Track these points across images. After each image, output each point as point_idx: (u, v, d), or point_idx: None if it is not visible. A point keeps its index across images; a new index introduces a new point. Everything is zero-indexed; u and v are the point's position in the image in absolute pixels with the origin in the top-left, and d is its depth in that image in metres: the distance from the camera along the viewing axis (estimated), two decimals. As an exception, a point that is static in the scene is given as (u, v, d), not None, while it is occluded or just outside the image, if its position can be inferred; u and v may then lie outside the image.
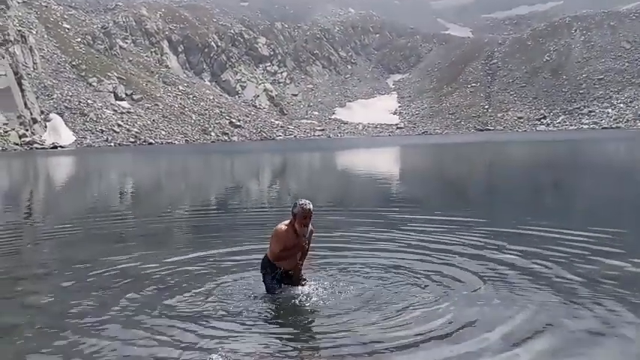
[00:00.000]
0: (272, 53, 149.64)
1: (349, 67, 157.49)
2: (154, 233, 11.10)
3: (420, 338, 4.82)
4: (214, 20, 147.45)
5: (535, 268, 6.99)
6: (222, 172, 32.81)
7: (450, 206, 13.67)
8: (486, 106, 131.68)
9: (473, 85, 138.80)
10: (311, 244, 6.07)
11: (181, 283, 6.80)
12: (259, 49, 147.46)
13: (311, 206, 5.73)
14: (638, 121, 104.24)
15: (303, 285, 6.03)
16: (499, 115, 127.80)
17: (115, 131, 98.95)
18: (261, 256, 6.20)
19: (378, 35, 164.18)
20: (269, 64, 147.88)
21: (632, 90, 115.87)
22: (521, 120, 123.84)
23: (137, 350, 4.72)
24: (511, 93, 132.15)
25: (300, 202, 5.74)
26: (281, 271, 5.95)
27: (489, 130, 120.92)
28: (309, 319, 5.49)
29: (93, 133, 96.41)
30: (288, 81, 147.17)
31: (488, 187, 20.40)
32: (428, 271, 6.99)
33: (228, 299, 6.10)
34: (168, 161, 45.01)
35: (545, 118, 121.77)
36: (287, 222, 5.85)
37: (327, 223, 10.55)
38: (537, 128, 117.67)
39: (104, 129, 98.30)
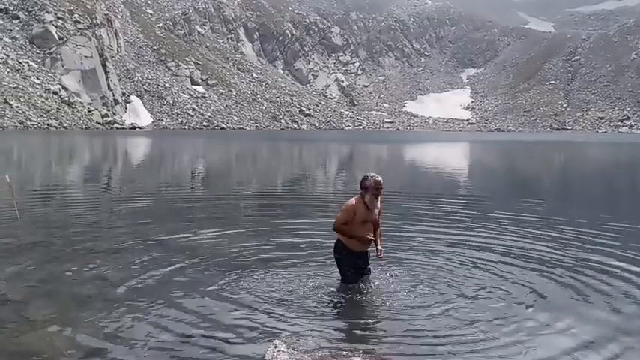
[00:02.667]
0: (345, 43, 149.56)
1: (422, 59, 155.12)
2: (224, 214, 11.38)
3: (485, 345, 4.70)
4: (290, 9, 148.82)
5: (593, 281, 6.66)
6: (291, 159, 33.21)
7: (517, 207, 13.25)
8: (565, 105, 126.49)
9: (552, 82, 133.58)
10: (381, 223, 6.10)
11: (249, 266, 6.93)
12: (333, 39, 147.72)
13: (381, 179, 5.84)
14: None
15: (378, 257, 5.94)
16: (578, 114, 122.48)
17: (190, 115, 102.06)
18: (331, 241, 6.23)
19: (454, 28, 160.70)
20: (342, 54, 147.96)
21: None
22: (602, 120, 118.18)
23: (199, 331, 4.84)
24: (593, 92, 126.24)
25: (372, 175, 5.84)
26: (356, 258, 5.94)
27: (566, 129, 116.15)
28: (376, 314, 5.47)
29: (169, 116, 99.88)
30: (359, 72, 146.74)
31: (558, 188, 19.61)
32: (501, 275, 6.81)
33: (297, 284, 6.16)
34: (240, 145, 46.02)
35: (628, 119, 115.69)
36: (357, 197, 5.88)
37: (398, 215, 10.47)
38: (619, 130, 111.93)
39: (179, 112, 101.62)
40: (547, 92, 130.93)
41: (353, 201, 5.84)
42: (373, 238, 5.93)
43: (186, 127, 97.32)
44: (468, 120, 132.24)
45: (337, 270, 6.16)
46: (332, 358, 3.95)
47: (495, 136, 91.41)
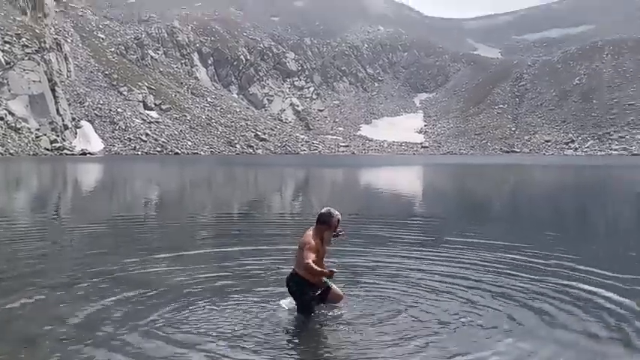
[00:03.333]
0: (300, 68, 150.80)
1: (376, 84, 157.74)
2: (176, 242, 11.13)
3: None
4: (244, 34, 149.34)
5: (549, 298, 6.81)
6: (246, 184, 32.97)
7: (469, 227, 13.48)
8: (513, 128, 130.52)
9: (500, 106, 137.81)
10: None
11: (203, 296, 6.77)
12: (287, 64, 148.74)
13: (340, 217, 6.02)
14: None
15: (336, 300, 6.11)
16: (526, 137, 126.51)
17: (143, 140, 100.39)
18: (286, 268, 6.18)
19: (406, 54, 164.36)
20: (296, 78, 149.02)
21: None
22: (549, 143, 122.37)
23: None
24: (539, 116, 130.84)
25: (335, 213, 5.96)
26: (319, 291, 6.00)
27: (516, 152, 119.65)
28: (336, 345, 5.41)
29: (121, 141, 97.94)
30: (314, 96, 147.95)
31: (509, 210, 20.10)
32: (456, 296, 6.86)
33: (251, 314, 6.05)
34: (194, 171, 45.44)
35: (573, 142, 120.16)
36: (312, 232, 5.93)
37: (356, 240, 10.46)
38: (565, 152, 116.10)
39: (132, 137, 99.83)
40: (496, 116, 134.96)
41: (313, 239, 5.85)
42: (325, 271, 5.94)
43: (139, 152, 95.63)
44: (421, 143, 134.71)
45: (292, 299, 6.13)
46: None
47: (448, 158, 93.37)
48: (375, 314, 6.09)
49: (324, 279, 5.84)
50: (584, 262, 8.84)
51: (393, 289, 7.18)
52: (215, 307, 6.30)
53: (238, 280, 7.68)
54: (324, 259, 6.10)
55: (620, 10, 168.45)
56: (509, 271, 8.23)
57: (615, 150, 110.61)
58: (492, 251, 9.87)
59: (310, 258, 5.70)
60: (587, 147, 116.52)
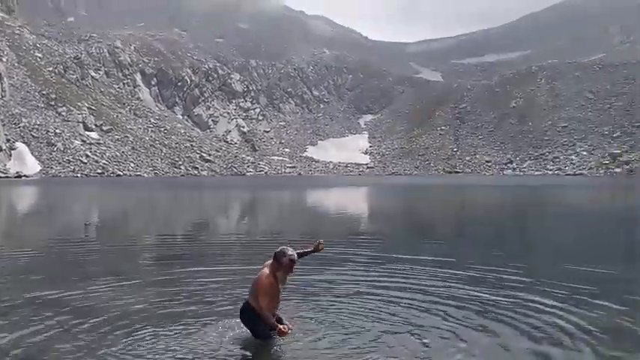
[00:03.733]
0: (245, 89, 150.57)
1: (322, 106, 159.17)
2: (119, 266, 10.68)
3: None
4: (189, 55, 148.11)
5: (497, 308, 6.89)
6: (191, 206, 32.31)
7: (415, 246, 13.61)
8: (455, 149, 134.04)
9: (442, 127, 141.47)
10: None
11: (150, 322, 6.47)
12: (233, 85, 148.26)
13: (296, 257, 5.85)
14: (600, 169, 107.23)
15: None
16: (467, 158, 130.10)
17: (83, 162, 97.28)
18: (236, 291, 5.98)
19: (351, 76, 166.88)
20: (242, 100, 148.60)
21: (594, 138, 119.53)
22: (489, 164, 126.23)
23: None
24: (479, 137, 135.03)
25: (289, 253, 5.77)
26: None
27: (458, 172, 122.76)
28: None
29: (60, 164, 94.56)
30: (260, 117, 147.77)
31: (453, 228, 20.48)
32: (398, 314, 6.82)
33: (202, 340, 5.81)
34: (137, 193, 44.25)
35: (511, 162, 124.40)
36: (267, 271, 5.79)
37: (306, 261, 10.32)
38: (504, 172, 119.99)
39: (71, 159, 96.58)
40: (439, 137, 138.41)
41: (267, 279, 5.71)
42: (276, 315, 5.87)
43: (78, 174, 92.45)
44: (366, 164, 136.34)
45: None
46: None
47: (393, 179, 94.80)
48: (329, 334, 5.98)
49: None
50: (523, 274, 9.03)
51: (347, 308, 7.08)
52: (164, 334, 6.01)
53: (185, 304, 7.40)
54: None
55: (553, 38, 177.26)
56: (457, 285, 8.29)
57: (551, 170, 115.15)
58: (439, 267, 9.96)
59: (263, 303, 5.60)
60: (525, 167, 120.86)
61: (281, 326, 5.55)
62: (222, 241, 15.64)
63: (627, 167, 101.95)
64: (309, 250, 6.24)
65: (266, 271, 5.79)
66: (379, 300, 7.63)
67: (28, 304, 7.40)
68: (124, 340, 5.83)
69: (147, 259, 12.28)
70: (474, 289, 8.28)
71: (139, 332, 6.09)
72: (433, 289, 8.35)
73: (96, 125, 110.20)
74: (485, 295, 7.89)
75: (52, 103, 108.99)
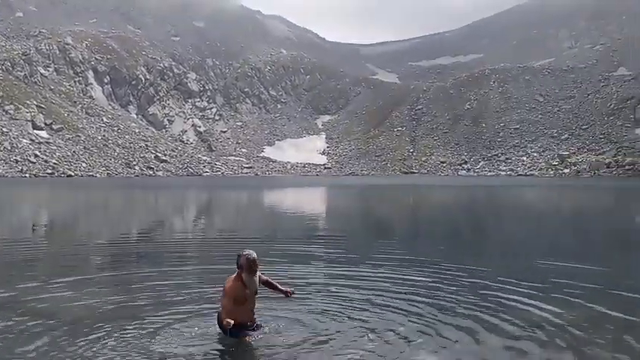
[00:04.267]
0: (202, 89, 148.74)
1: (279, 106, 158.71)
2: (73, 267, 10.32)
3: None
4: (143, 53, 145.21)
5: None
6: (145, 208, 31.64)
7: (377, 244, 13.68)
8: (411, 150, 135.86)
9: (399, 129, 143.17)
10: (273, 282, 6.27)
11: (113, 322, 6.26)
12: (189, 84, 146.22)
13: (255, 255, 5.76)
14: (550, 169, 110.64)
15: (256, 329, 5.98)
16: (423, 158, 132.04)
17: (31, 162, 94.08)
18: (198, 289, 5.86)
19: (308, 77, 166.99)
20: (198, 99, 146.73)
21: (544, 140, 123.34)
22: (444, 164, 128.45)
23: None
24: (435, 138, 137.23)
25: (245, 253, 5.79)
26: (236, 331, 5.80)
27: (414, 173, 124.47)
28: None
29: (7, 163, 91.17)
30: (217, 117, 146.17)
31: (410, 226, 20.71)
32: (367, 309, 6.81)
33: (169, 339, 5.65)
34: (89, 194, 43.06)
35: (466, 163, 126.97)
36: (234, 276, 5.83)
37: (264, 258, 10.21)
38: (459, 173, 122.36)
39: (19, 159, 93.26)
40: (395, 138, 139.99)
41: (230, 283, 5.76)
42: (253, 314, 5.92)
43: (27, 175, 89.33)
44: (324, 164, 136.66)
45: (212, 319, 5.94)
46: None
47: (351, 180, 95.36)
48: (288, 332, 5.91)
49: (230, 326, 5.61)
50: (485, 271, 9.18)
51: (307, 305, 7.02)
52: (122, 335, 5.81)
53: (143, 304, 7.19)
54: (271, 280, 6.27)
55: (505, 42, 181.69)
56: (417, 282, 8.34)
57: (503, 171, 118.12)
58: (397, 265, 10.02)
59: (228, 305, 5.68)
60: (479, 168, 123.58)
61: (224, 321, 5.56)
62: (178, 242, 15.35)
63: (575, 169, 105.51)
64: (280, 287, 6.20)
65: (231, 277, 5.86)
66: (338, 298, 7.59)
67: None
68: (83, 341, 5.62)
69: (100, 261, 11.92)
70: (434, 285, 8.35)
71: (97, 333, 5.89)
72: (395, 286, 8.37)
73: (45, 124, 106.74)
74: (449, 291, 7.96)
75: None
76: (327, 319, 6.50)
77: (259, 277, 5.98)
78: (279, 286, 6.16)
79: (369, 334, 5.95)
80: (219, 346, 5.51)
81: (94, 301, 7.44)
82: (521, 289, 8.17)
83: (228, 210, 29.91)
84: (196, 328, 5.94)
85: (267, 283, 6.15)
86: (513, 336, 5.99)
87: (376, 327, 6.24)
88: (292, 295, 6.19)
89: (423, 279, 8.98)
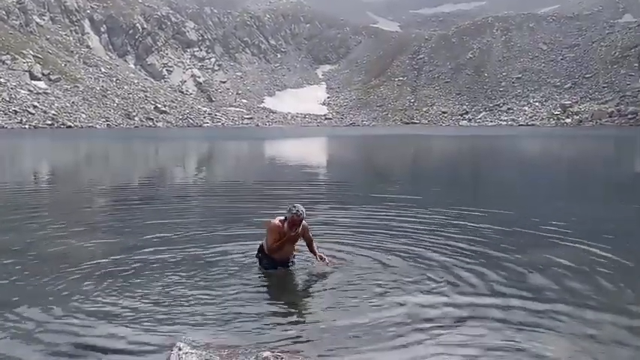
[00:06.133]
0: (200, 38, 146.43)
1: (279, 55, 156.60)
2: (83, 216, 10.52)
3: (381, 323, 4.79)
4: (140, 1, 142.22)
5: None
6: (146, 158, 31.76)
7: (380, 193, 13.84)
8: (412, 100, 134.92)
9: (400, 78, 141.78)
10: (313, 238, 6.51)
11: (127, 267, 6.45)
12: (187, 34, 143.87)
13: (300, 212, 6.05)
14: (552, 119, 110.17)
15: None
16: (424, 109, 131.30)
17: (31, 113, 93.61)
18: (209, 233, 6.03)
19: (308, 25, 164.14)
20: (197, 49, 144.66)
21: (547, 89, 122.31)
22: (445, 115, 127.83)
23: (87, 342, 4.38)
24: (436, 88, 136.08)
25: (294, 211, 6.06)
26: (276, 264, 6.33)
27: (415, 123, 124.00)
28: (283, 305, 5.34)
29: (6, 114, 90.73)
30: (216, 67, 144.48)
31: (413, 175, 20.87)
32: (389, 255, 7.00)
33: (184, 281, 5.85)
34: (90, 145, 43.09)
35: (467, 113, 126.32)
36: (280, 219, 6.20)
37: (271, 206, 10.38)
38: (460, 123, 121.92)
39: (18, 110, 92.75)
40: (396, 88, 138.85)
41: (276, 221, 6.17)
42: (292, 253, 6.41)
43: (26, 126, 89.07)
44: (324, 115, 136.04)
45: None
46: (242, 355, 3.76)
47: (352, 130, 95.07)
48: (317, 277, 6.13)
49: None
50: (492, 216, 9.37)
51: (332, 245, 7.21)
52: (142, 278, 6.01)
53: (161, 250, 7.36)
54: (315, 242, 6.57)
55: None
56: (424, 223, 8.54)
57: (505, 121, 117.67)
58: (404, 206, 10.19)
59: (269, 241, 6.21)
60: (480, 118, 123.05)
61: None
62: (183, 190, 15.52)
63: (577, 118, 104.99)
64: (317, 252, 6.45)
65: (279, 218, 6.24)
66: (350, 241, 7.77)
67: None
68: (100, 286, 5.79)
69: (107, 207, 12.10)
70: (437, 226, 8.54)
71: (112, 278, 6.05)
72: (404, 227, 8.56)
73: (43, 74, 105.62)
74: (456, 232, 8.14)
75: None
76: (355, 256, 6.78)
77: (304, 233, 6.31)
78: (317, 251, 6.43)
79: (387, 257, 6.19)
80: (234, 289, 5.68)
81: (105, 245, 7.63)
82: (536, 233, 8.36)
83: (229, 161, 30.02)
84: (208, 274, 6.12)
85: (309, 243, 6.44)
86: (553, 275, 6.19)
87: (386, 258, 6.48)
88: (326, 263, 6.36)
89: (427, 220, 9.16)
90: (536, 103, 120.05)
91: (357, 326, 4.65)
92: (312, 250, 6.45)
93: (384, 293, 5.55)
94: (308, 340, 4.34)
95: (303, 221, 6.15)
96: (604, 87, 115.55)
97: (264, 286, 5.88)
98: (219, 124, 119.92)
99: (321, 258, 6.36)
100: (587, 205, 12.12)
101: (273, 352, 3.81)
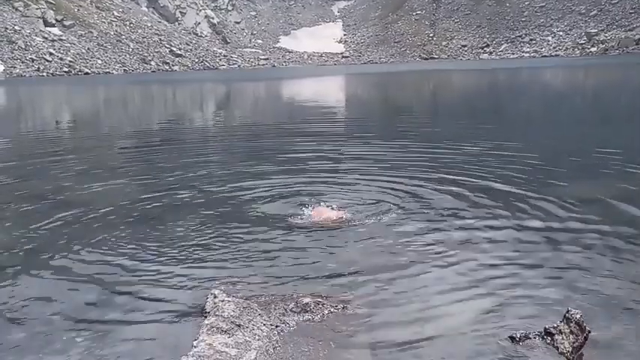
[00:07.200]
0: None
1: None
2: (105, 163, 10.44)
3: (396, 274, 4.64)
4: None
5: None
6: (165, 103, 31.54)
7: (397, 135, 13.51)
8: (431, 35, 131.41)
9: (418, 12, 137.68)
10: None
11: (152, 215, 6.35)
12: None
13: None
14: (576, 49, 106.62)
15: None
16: (443, 43, 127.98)
17: (47, 60, 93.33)
18: (232, 184, 5.84)
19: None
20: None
21: (571, 18, 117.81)
22: (465, 48, 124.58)
23: (120, 289, 4.30)
24: (455, 21, 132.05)
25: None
26: None
27: (434, 58, 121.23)
28: (314, 252, 5.19)
29: (23, 62, 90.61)
30: (230, 7, 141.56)
31: (432, 114, 20.40)
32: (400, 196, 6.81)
33: (210, 229, 5.73)
34: (108, 90, 42.92)
35: (488, 46, 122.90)
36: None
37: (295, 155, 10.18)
38: (481, 56, 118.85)
39: (35, 57, 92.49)
40: (414, 23, 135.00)
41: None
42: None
43: (44, 73, 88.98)
44: (341, 53, 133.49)
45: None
46: (280, 302, 3.63)
47: (369, 68, 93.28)
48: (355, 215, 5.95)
49: None
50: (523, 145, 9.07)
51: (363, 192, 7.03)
52: (169, 226, 5.91)
53: (184, 198, 7.25)
54: None
55: None
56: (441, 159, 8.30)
57: (527, 52, 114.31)
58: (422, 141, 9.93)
59: None
60: (501, 50, 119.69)
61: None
62: (204, 131, 15.36)
63: (602, 47, 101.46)
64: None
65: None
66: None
67: (23, 203, 7.19)
68: (125, 232, 5.71)
69: (129, 152, 12.00)
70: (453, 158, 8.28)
71: (139, 225, 5.96)
72: (418, 163, 8.32)
73: (57, 20, 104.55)
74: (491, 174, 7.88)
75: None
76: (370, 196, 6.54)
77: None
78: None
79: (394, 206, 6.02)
80: (265, 238, 5.55)
81: (130, 190, 7.54)
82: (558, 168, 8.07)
83: (249, 102, 29.69)
84: (239, 223, 5.96)
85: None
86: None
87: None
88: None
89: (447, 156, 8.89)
90: (560, 32, 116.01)
91: (394, 270, 4.49)
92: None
93: (416, 236, 5.37)
94: (346, 285, 4.19)
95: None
96: (631, 13, 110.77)
97: (298, 230, 5.69)
98: (235, 66, 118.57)
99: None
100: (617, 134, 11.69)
101: (313, 297, 3.68)
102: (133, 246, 5.22)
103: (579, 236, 5.18)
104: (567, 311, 3.29)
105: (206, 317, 3.38)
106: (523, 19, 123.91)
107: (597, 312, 3.67)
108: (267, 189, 7.21)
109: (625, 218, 5.67)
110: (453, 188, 7.04)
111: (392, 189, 7.06)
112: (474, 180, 7.46)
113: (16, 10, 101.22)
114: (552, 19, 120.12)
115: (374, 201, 6.51)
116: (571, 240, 5.09)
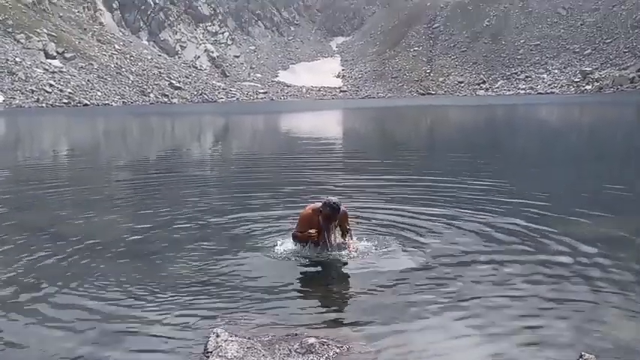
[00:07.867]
0: (212, 12, 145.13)
1: (292, 28, 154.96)
2: (108, 196, 10.35)
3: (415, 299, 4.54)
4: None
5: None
6: (163, 135, 31.61)
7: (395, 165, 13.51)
8: (428, 70, 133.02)
9: (415, 48, 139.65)
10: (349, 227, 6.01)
11: (156, 249, 6.25)
12: (199, 8, 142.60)
13: (337, 206, 5.57)
14: (571, 87, 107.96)
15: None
16: (440, 79, 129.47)
17: (47, 91, 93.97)
18: (233, 216, 5.78)
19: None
20: (209, 23, 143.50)
21: (566, 56, 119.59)
22: (462, 84, 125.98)
23: (122, 327, 4.18)
24: (452, 57, 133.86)
25: (329, 203, 5.59)
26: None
27: (431, 94, 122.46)
28: (318, 289, 5.10)
29: (22, 93, 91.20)
30: (229, 42, 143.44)
31: (429, 148, 20.45)
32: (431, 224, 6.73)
33: (215, 264, 5.62)
34: (106, 122, 43.08)
35: (484, 82, 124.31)
36: (315, 206, 5.72)
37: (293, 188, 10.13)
38: (477, 93, 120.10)
39: (35, 89, 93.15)
40: (412, 59, 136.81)
41: (308, 211, 5.69)
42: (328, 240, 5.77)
43: (43, 104, 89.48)
44: (339, 88, 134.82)
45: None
46: (285, 342, 3.52)
47: (367, 102, 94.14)
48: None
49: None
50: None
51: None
52: (173, 261, 5.80)
53: (187, 231, 7.16)
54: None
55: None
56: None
57: (522, 89, 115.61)
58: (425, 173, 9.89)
59: (300, 229, 5.69)
60: (497, 87, 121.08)
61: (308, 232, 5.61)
62: (202, 165, 15.32)
63: (597, 85, 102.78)
64: (347, 242, 5.94)
65: (314, 205, 5.73)
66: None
67: (22, 237, 7.08)
68: (130, 268, 5.60)
69: (127, 183, 11.92)
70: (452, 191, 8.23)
71: (142, 260, 5.85)
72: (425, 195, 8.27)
73: (58, 52, 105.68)
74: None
75: (10, 30, 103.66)
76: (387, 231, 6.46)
77: (341, 224, 5.88)
78: (349, 242, 5.94)
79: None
80: (269, 273, 5.45)
81: (129, 222, 7.44)
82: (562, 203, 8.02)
83: (244, 135, 29.79)
84: (241, 258, 5.86)
85: (343, 234, 5.97)
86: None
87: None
88: (350, 251, 5.81)
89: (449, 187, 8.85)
90: (555, 70, 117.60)
91: (400, 308, 4.39)
92: (344, 238, 6.00)
93: (422, 272, 5.28)
94: (351, 325, 4.08)
95: (342, 210, 5.73)
96: (625, 52, 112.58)
97: (300, 266, 5.59)
98: (234, 99, 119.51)
99: (348, 247, 5.86)
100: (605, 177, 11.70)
101: (318, 338, 3.56)
102: (132, 282, 5.11)
103: (593, 275, 5.11)
104: (581, 356, 3.19)
105: (208, 358, 3.27)
106: (519, 57, 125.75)
107: (611, 354, 3.57)
108: (266, 222, 7.15)
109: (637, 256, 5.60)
110: (459, 223, 6.97)
111: (397, 222, 6.99)
112: (480, 215, 7.40)
113: (18, 42, 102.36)
114: (547, 57, 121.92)
115: (378, 235, 6.43)
116: (584, 279, 5.01)
